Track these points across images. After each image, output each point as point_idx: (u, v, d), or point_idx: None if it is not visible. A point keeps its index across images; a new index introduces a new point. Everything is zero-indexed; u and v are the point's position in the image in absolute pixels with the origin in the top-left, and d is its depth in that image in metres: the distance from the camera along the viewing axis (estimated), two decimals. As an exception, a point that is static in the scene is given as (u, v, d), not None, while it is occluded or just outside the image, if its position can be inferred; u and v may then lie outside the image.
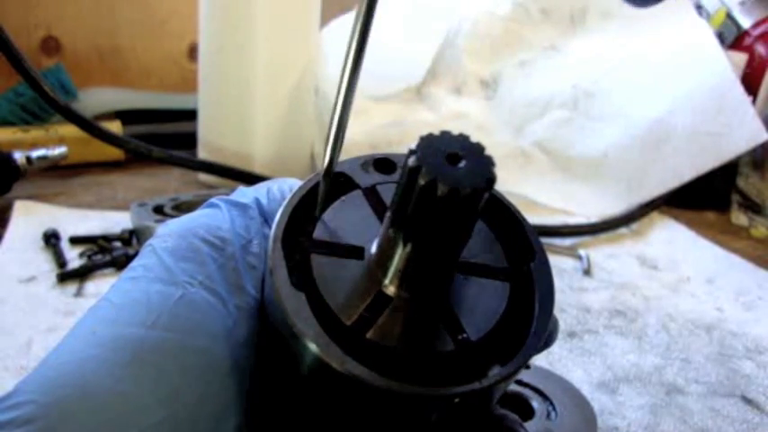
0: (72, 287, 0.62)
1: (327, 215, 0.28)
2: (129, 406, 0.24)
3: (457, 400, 0.25)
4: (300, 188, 0.29)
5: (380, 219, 0.29)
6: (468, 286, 0.28)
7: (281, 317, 0.25)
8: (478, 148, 0.24)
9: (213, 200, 0.31)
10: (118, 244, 0.70)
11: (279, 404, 0.29)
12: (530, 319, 0.27)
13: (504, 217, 0.30)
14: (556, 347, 0.60)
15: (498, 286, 0.28)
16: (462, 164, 0.23)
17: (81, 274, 0.64)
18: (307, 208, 0.28)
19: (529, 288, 0.28)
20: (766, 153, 0.96)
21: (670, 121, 0.92)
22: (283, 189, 0.32)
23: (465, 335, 0.26)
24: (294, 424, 0.29)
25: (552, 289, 0.28)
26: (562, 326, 0.64)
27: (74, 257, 0.67)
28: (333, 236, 0.28)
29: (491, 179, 0.23)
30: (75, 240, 0.70)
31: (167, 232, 0.30)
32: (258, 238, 0.30)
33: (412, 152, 0.23)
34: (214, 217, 0.30)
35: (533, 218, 0.86)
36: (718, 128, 0.91)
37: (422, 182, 0.23)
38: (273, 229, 0.27)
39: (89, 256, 0.67)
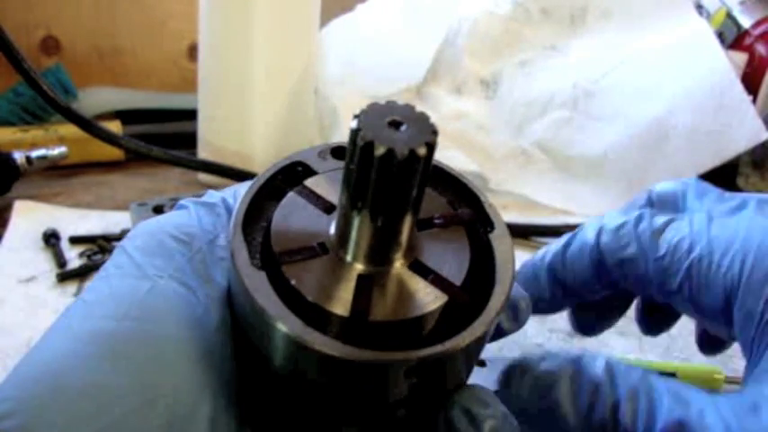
0: (72, 287, 0.62)
1: (286, 202, 0.29)
2: (102, 395, 0.25)
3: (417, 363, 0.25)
4: (261, 176, 0.30)
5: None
6: (430, 243, 0.29)
7: (243, 295, 0.26)
8: (422, 117, 0.24)
9: (182, 201, 0.33)
10: (117, 244, 0.70)
11: (253, 386, 0.29)
12: (490, 286, 0.28)
13: (464, 195, 0.31)
14: (556, 347, 0.60)
15: (456, 239, 0.29)
16: (403, 128, 0.23)
17: (81, 274, 0.64)
18: (268, 195, 0.30)
19: (489, 257, 0.29)
20: (766, 153, 0.96)
21: (670, 121, 0.92)
22: None
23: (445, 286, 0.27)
24: (266, 402, 0.30)
25: (512, 257, 0.29)
26: (562, 325, 0.64)
27: (73, 257, 0.67)
28: (293, 220, 0.29)
29: (431, 144, 0.23)
30: (74, 240, 0.70)
31: (137, 233, 0.31)
32: (225, 232, 0.31)
33: (355, 116, 0.24)
34: (182, 216, 0.32)
35: (533, 218, 0.86)
36: (718, 127, 0.91)
37: (361, 143, 0.23)
38: (234, 215, 0.28)
39: (89, 256, 0.67)
